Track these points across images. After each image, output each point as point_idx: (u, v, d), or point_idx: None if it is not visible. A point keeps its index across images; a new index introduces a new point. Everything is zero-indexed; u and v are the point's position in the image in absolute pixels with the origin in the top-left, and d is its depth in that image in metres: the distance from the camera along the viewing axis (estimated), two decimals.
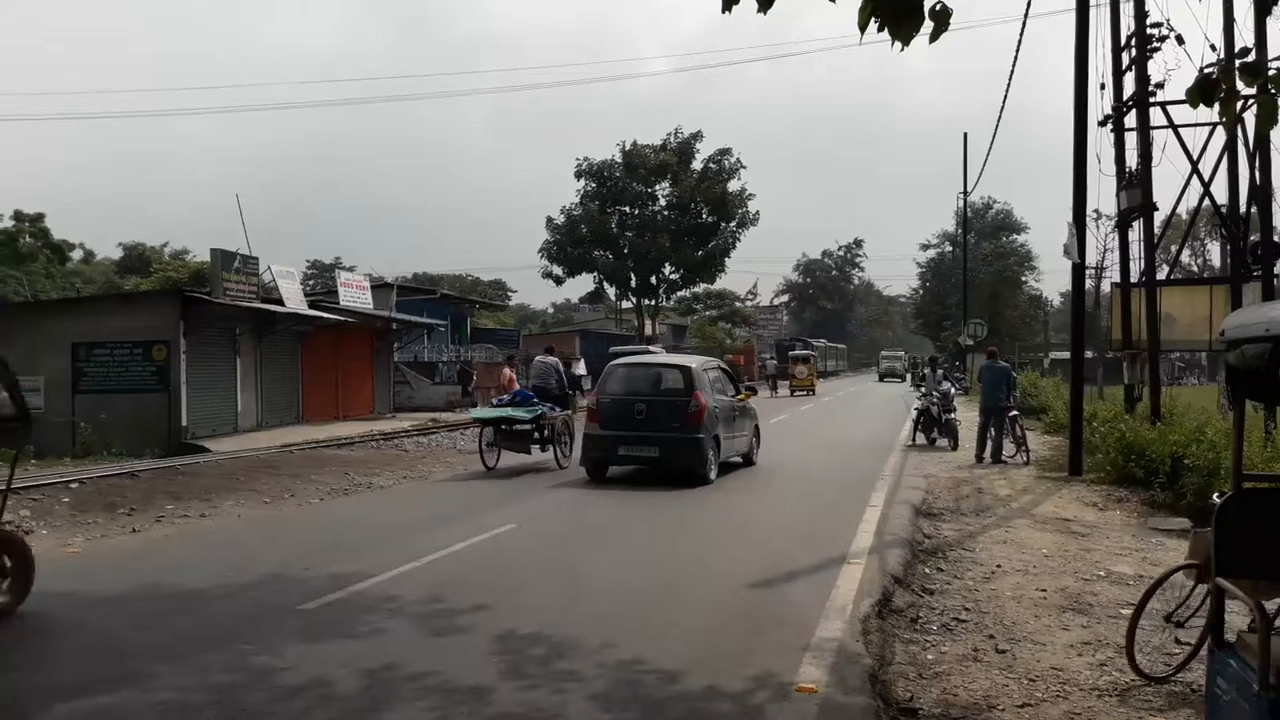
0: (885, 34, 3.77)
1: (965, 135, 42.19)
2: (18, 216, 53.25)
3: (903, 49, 3.81)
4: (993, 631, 6.82)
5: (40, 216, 53.26)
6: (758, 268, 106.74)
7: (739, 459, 16.25)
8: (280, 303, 25.98)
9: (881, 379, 69.74)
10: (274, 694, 5.43)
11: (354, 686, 5.56)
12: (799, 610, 7.17)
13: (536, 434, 16.78)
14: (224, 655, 6.15)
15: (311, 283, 49.61)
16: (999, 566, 8.88)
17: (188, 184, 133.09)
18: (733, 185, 51.80)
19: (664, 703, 5.31)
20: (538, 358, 19.58)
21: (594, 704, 5.25)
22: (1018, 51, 13.21)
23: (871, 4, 3.79)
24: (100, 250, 68.18)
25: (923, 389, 21.21)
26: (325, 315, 27.66)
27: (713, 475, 14.37)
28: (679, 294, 59.23)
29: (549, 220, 52.20)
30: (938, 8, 3.80)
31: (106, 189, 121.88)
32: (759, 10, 3.95)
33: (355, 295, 31.01)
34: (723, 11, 4.00)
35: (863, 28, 3.85)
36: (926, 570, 8.84)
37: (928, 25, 3.81)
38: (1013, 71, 14.77)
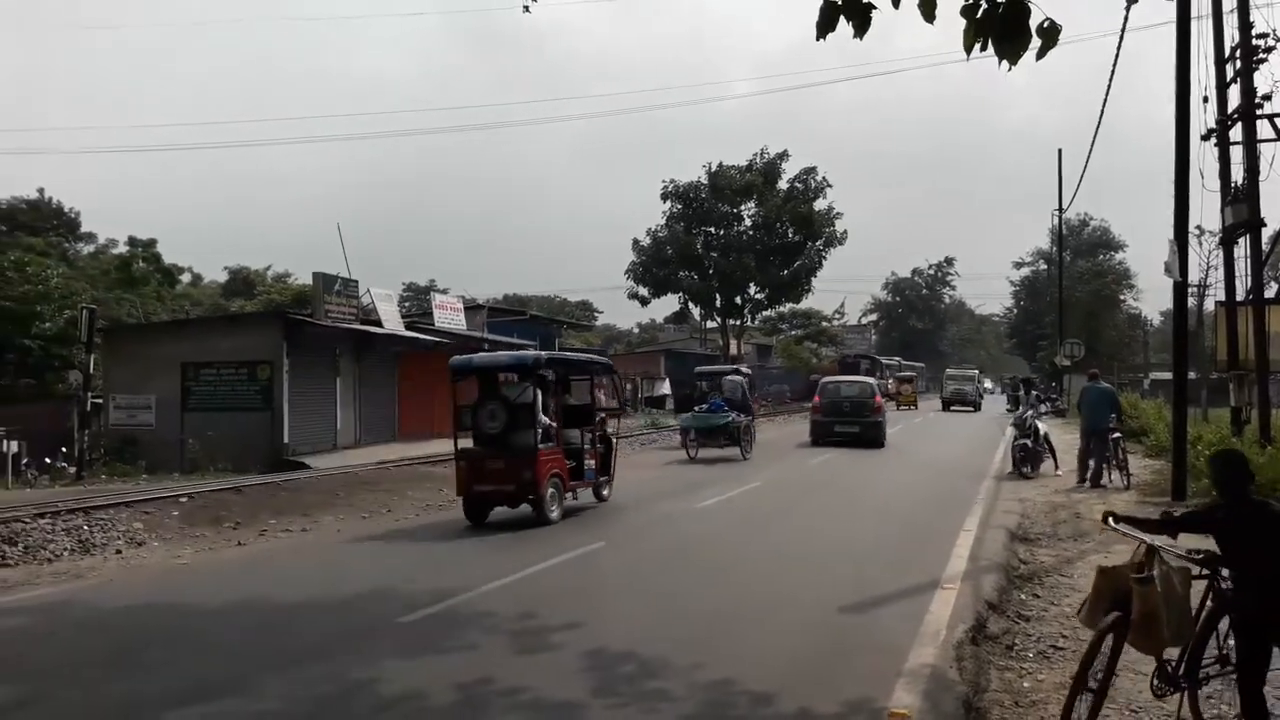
0: (990, 52, 3.77)
1: (1060, 151, 41.41)
2: (131, 242, 55.84)
3: (1010, 68, 3.81)
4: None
5: (152, 242, 55.72)
6: (845, 286, 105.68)
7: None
8: (378, 324, 26.73)
9: (947, 406, 50.16)
10: (373, 705, 5.60)
11: (449, 700, 5.70)
12: (891, 635, 7.08)
13: (727, 434, 22.81)
14: (326, 666, 6.36)
15: (407, 305, 50.82)
16: None
17: (288, 210, 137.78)
18: (819, 204, 51.47)
19: None
20: (727, 377, 25.85)
21: None
22: (1115, 65, 12.96)
23: (977, 24, 3.79)
24: (207, 274, 70.97)
25: (1018, 413, 20.43)
26: (421, 336, 28.34)
27: (885, 443, 25.31)
28: (764, 313, 58.96)
29: (635, 242, 52.57)
30: (1045, 25, 3.79)
31: (213, 215, 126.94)
32: (855, 35, 3.99)
33: (449, 317, 31.71)
34: (818, 39, 4.05)
35: (968, 48, 3.85)
36: (1022, 596, 8.65)
37: (1035, 42, 3.79)
38: (1110, 85, 14.54)
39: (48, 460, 27.29)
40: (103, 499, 14.27)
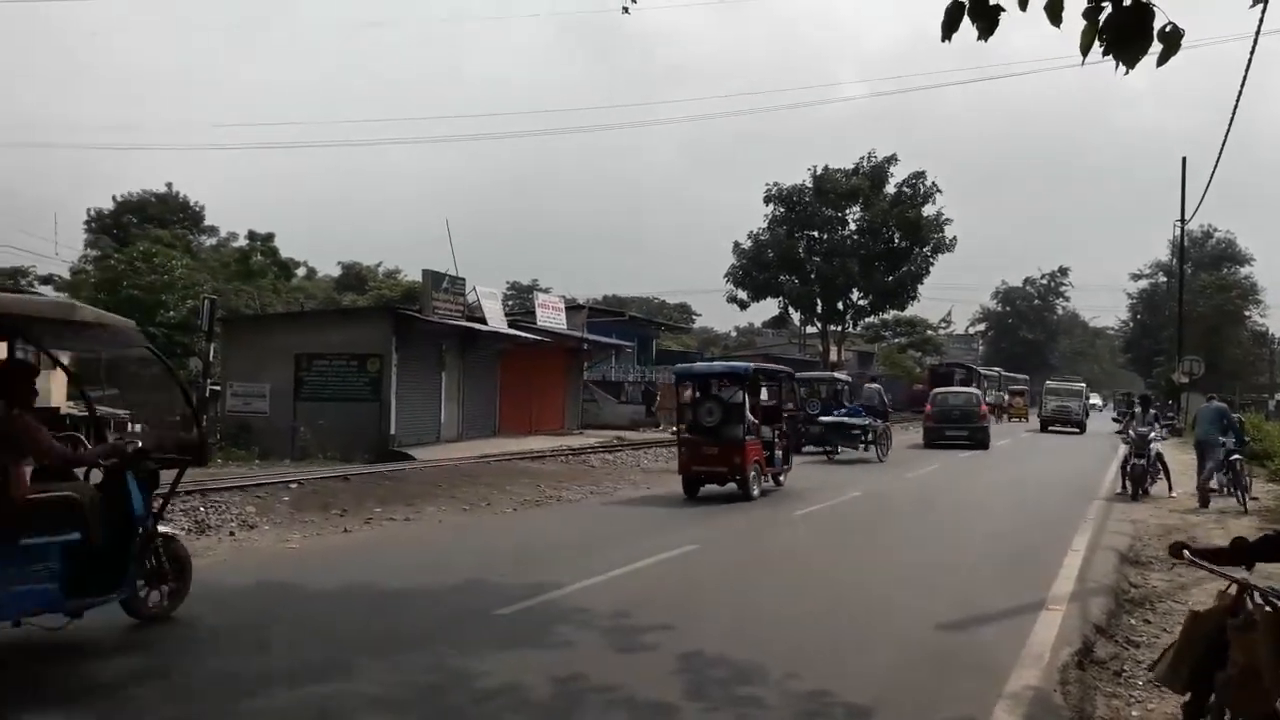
0: (1109, 57, 3.66)
1: (1184, 160, 39.46)
2: (250, 236, 58.16)
3: (1127, 72, 3.69)
4: None
5: (270, 236, 57.94)
6: (954, 294, 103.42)
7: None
8: (483, 321, 27.28)
9: (1045, 426, 43.44)
10: (472, 696, 5.72)
11: (545, 694, 5.78)
12: (992, 655, 6.90)
13: (864, 436, 24.65)
14: (426, 655, 6.51)
15: (510, 303, 51.71)
16: None
17: (399, 207, 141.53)
18: (928, 209, 50.52)
19: None
20: (866, 384, 30.35)
21: None
22: (1247, 71, 12.39)
23: (1096, 26, 3.68)
24: (321, 268, 73.34)
25: (1129, 431, 19.61)
26: (523, 335, 28.81)
27: (990, 446, 29.74)
28: (866, 320, 58.12)
29: (736, 245, 52.42)
30: (1168, 29, 3.65)
31: (328, 212, 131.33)
32: (979, 38, 3.91)
33: (551, 316, 32.15)
34: (943, 40, 3.98)
35: (1085, 50, 3.73)
36: (1132, 621, 8.33)
37: (1155, 47, 3.66)
38: (1240, 93, 13.82)
39: None
40: (218, 482, 14.88)
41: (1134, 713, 5.96)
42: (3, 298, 7.29)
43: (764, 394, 18.17)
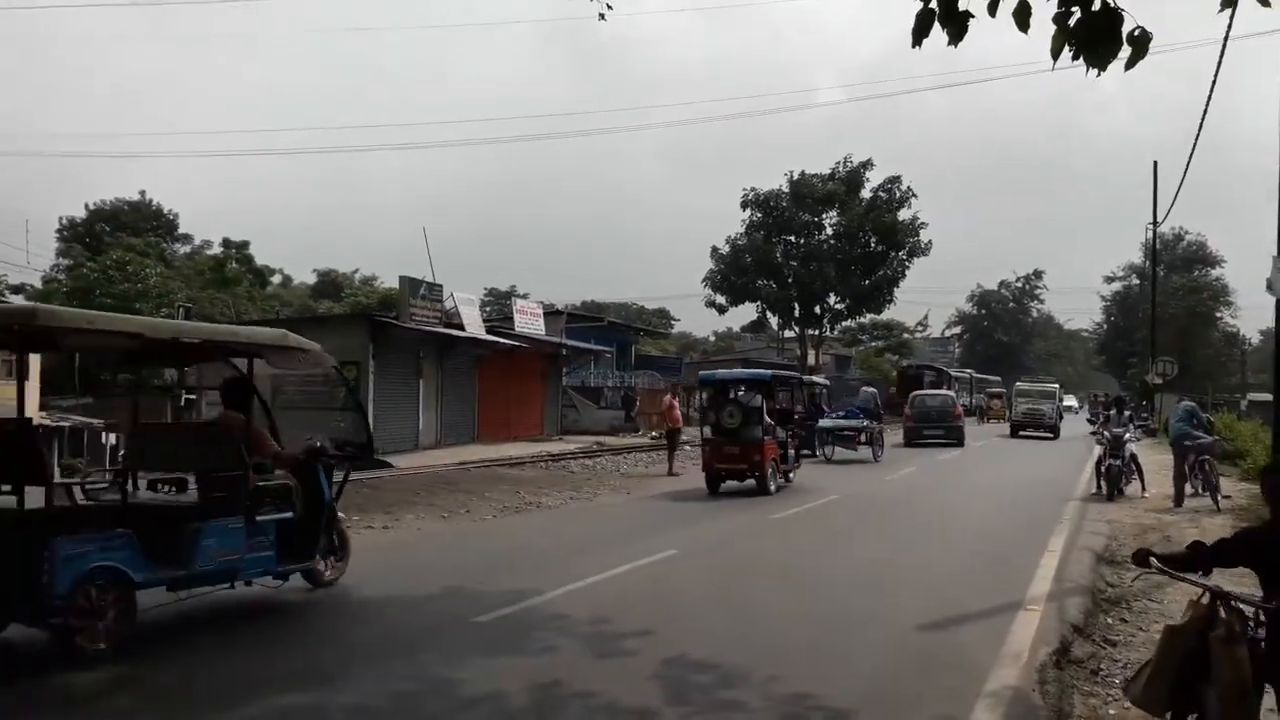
0: (1079, 61, 3.70)
1: (1155, 164, 39.92)
2: (225, 244, 57.79)
3: (1098, 75, 3.74)
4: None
5: (245, 244, 57.59)
6: (930, 298, 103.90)
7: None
8: (461, 328, 27.22)
9: (1016, 431, 39.58)
10: (453, 704, 5.70)
11: (525, 702, 5.76)
12: (971, 655, 6.95)
13: (860, 438, 25.81)
14: (406, 663, 6.49)
15: (488, 309, 51.62)
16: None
17: (375, 214, 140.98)
18: (903, 214, 50.88)
19: None
20: (862, 389, 32.51)
21: None
22: (1216, 75, 12.54)
23: (1066, 31, 3.73)
24: (297, 276, 72.99)
25: (1103, 433, 19.79)
26: (501, 340, 28.76)
27: (965, 443, 31.84)
28: (844, 324, 58.41)
29: (714, 250, 52.59)
30: (1136, 33, 3.70)
31: (303, 219, 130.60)
32: (950, 43, 3.95)
33: (529, 322, 32.10)
34: (914, 45, 4.02)
35: (1055, 54, 3.78)
36: (1109, 620, 8.40)
37: (1125, 50, 3.71)
38: (1210, 96, 13.98)
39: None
40: None
41: (1111, 711, 6.01)
42: (234, 329, 10.58)
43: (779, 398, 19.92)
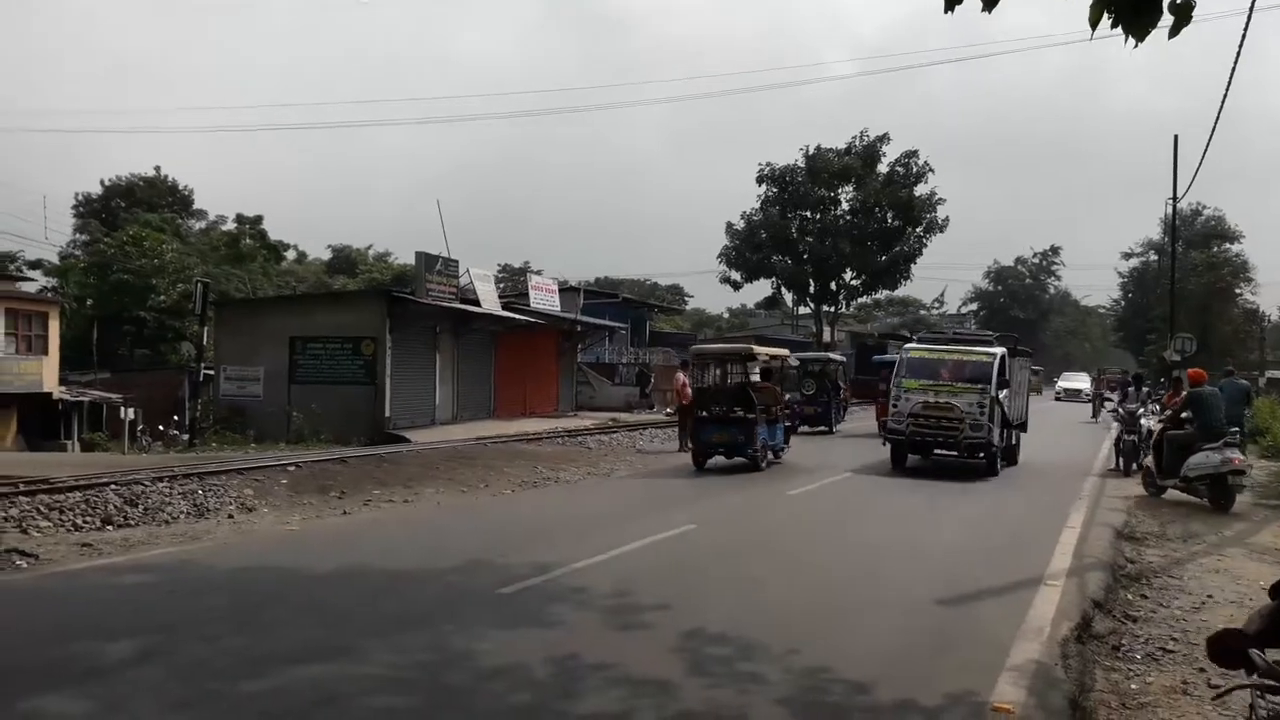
0: (1117, 30, 3.64)
1: (1175, 138, 39.11)
2: (239, 219, 57.93)
3: (1136, 45, 3.67)
4: (1204, 665, 6.40)
5: (259, 219, 57.73)
6: (946, 274, 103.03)
7: None
8: (476, 304, 27.23)
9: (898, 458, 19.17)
10: (474, 674, 5.74)
11: (546, 673, 5.80)
12: (992, 629, 6.95)
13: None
14: (428, 634, 6.53)
15: (502, 285, 51.75)
16: (1210, 597, 8.33)
17: (388, 189, 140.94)
18: (920, 189, 50.45)
19: (852, 713, 5.29)
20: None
21: (781, 709, 5.29)
22: (1240, 48, 12.27)
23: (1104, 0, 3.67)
24: (311, 251, 73.09)
25: (1119, 409, 19.71)
26: (517, 317, 28.77)
27: None
28: (860, 300, 58.14)
29: (729, 226, 52.33)
30: (1179, 1, 3.64)
31: (317, 194, 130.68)
32: (984, 9, 3.89)
33: (544, 298, 32.09)
34: (946, 11, 3.96)
35: (1094, 23, 3.72)
36: (1129, 596, 8.39)
37: (1166, 19, 3.65)
38: (1234, 70, 13.66)
39: (160, 428, 28.62)
40: (215, 466, 14.89)
41: (1133, 685, 6.02)
42: (720, 348, 21.83)
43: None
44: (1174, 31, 3.72)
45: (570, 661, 5.99)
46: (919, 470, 17.51)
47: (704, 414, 18.00)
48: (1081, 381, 54.48)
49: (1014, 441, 18.78)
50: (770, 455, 17.90)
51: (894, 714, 5.28)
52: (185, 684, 5.49)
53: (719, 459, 17.50)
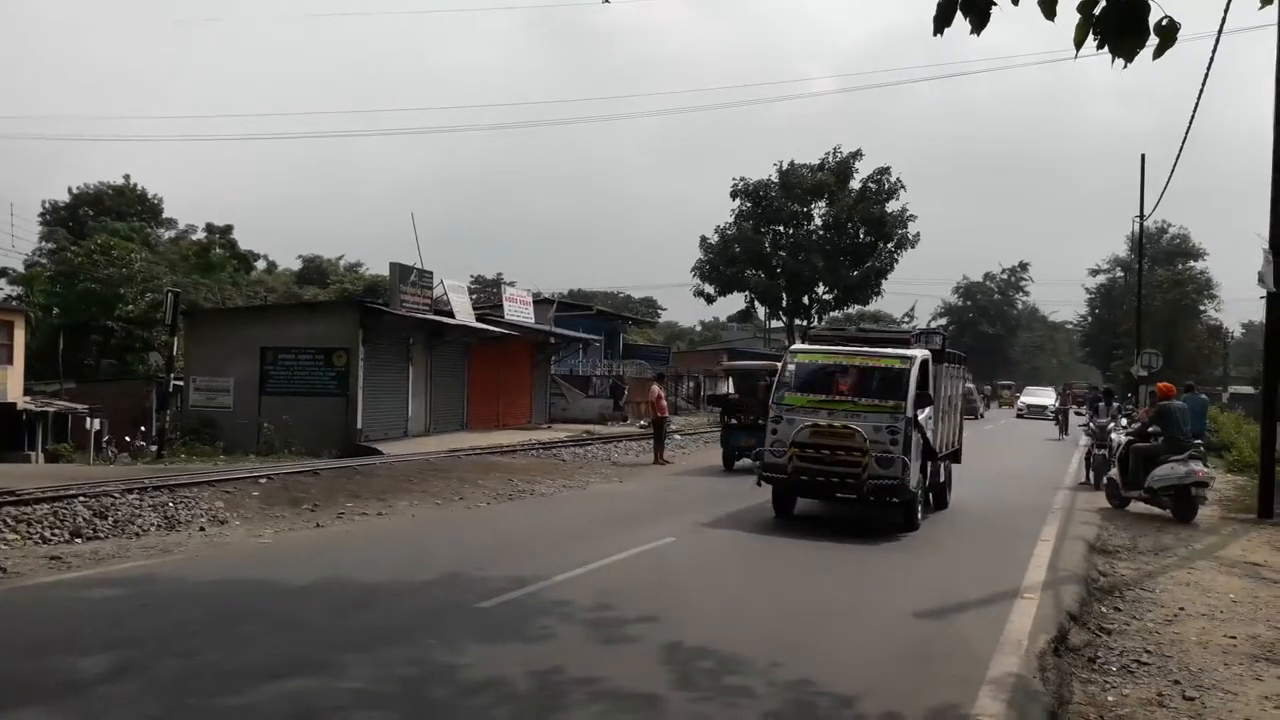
0: (1103, 50, 3.70)
1: (1143, 157, 39.89)
2: (209, 229, 57.43)
3: (1125, 66, 3.73)
4: (1178, 677, 6.48)
5: (229, 229, 57.28)
6: (917, 289, 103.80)
7: None
8: (450, 315, 27.10)
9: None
10: (456, 689, 5.69)
11: (530, 686, 5.76)
12: (971, 643, 7.00)
13: None
14: (408, 648, 6.47)
15: (475, 297, 51.61)
16: (1182, 609, 8.43)
17: (360, 200, 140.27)
18: (892, 205, 50.91)
19: None
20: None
21: None
22: (1209, 69, 12.51)
23: (1090, 20, 3.73)
24: (281, 261, 72.55)
25: (1090, 423, 20.00)
26: (492, 329, 28.67)
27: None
28: (831, 315, 58.50)
29: (702, 240, 52.52)
30: (1164, 23, 3.71)
31: (287, 204, 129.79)
32: (972, 32, 3.95)
33: (518, 310, 32.01)
34: (935, 34, 4.01)
35: (1079, 44, 3.78)
36: (1103, 609, 8.48)
37: (1152, 41, 3.72)
38: (1203, 89, 13.91)
39: (127, 438, 28.22)
40: (186, 477, 14.69)
41: (1109, 698, 6.07)
42: (749, 365, 21.70)
43: None
44: (1159, 52, 3.79)
45: (553, 676, 5.95)
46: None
47: (734, 421, 19.83)
48: (1046, 397, 51.59)
49: (943, 478, 14.18)
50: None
51: None
52: (161, 699, 5.40)
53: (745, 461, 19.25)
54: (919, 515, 12.32)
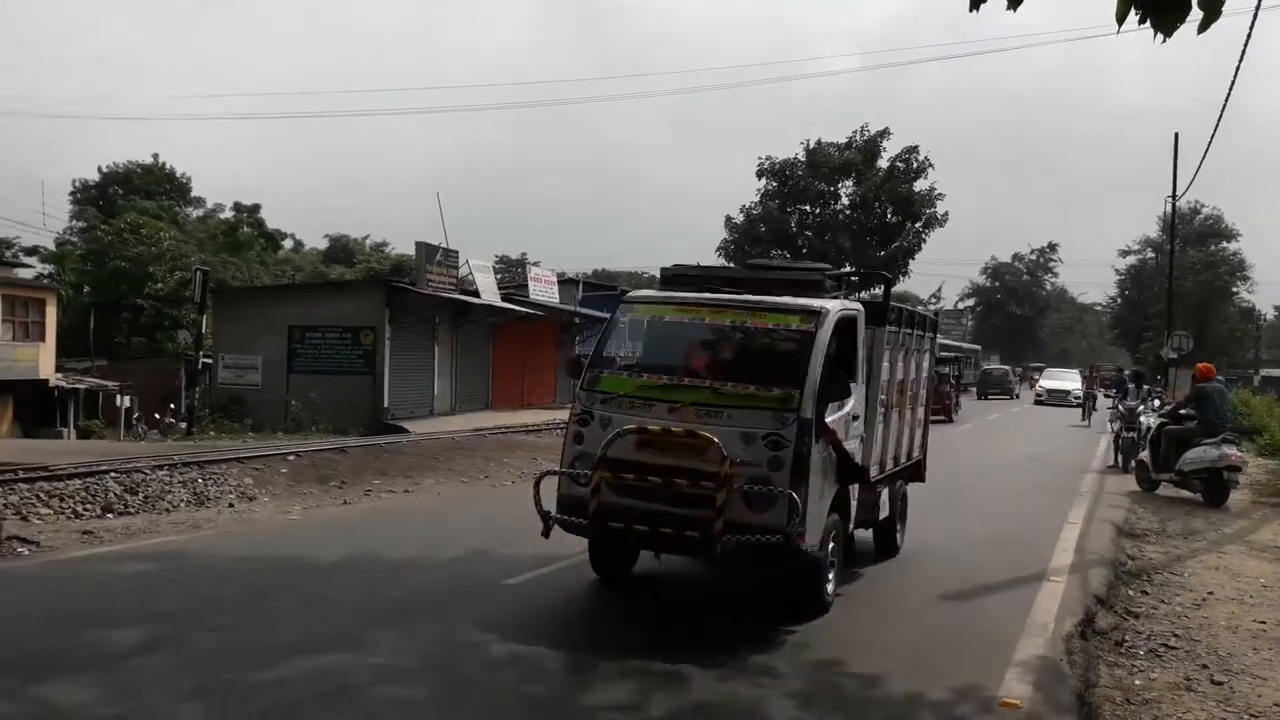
0: (1145, 25, 3.63)
1: (1176, 136, 39.14)
2: (237, 208, 57.82)
3: (1164, 40, 3.67)
4: (1206, 661, 6.43)
5: (256, 208, 57.64)
6: (944, 270, 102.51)
7: None
8: (476, 295, 27.20)
9: None
10: (485, 665, 5.75)
11: (558, 663, 5.82)
12: (998, 625, 6.98)
13: None
14: (436, 625, 6.54)
15: (500, 276, 51.69)
16: (1210, 594, 8.36)
17: (386, 181, 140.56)
18: (920, 184, 50.41)
19: (865, 705, 5.31)
20: None
21: (793, 701, 5.30)
22: (1246, 46, 12.25)
23: None
24: (308, 241, 72.89)
25: (1119, 406, 19.81)
26: (516, 308, 28.75)
27: None
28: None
29: (727, 219, 52.25)
30: None
31: (314, 183, 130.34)
32: (1009, 8, 3.89)
33: (543, 290, 32.06)
34: (971, 9, 3.95)
35: (1121, 19, 3.71)
36: (1130, 593, 8.41)
37: (1195, 15, 3.64)
38: (1239, 68, 13.61)
39: (157, 415, 28.56)
40: (215, 454, 14.86)
41: (1136, 681, 6.03)
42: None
43: None
44: (1203, 27, 3.71)
45: (581, 652, 6.00)
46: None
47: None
48: (1069, 380, 45.84)
49: (887, 511, 9.01)
50: None
51: (905, 707, 5.31)
52: (195, 673, 5.48)
53: None
54: (828, 588, 7.16)
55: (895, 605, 7.58)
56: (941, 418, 28.14)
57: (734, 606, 7.29)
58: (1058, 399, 42.24)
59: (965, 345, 64.23)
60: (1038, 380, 50.72)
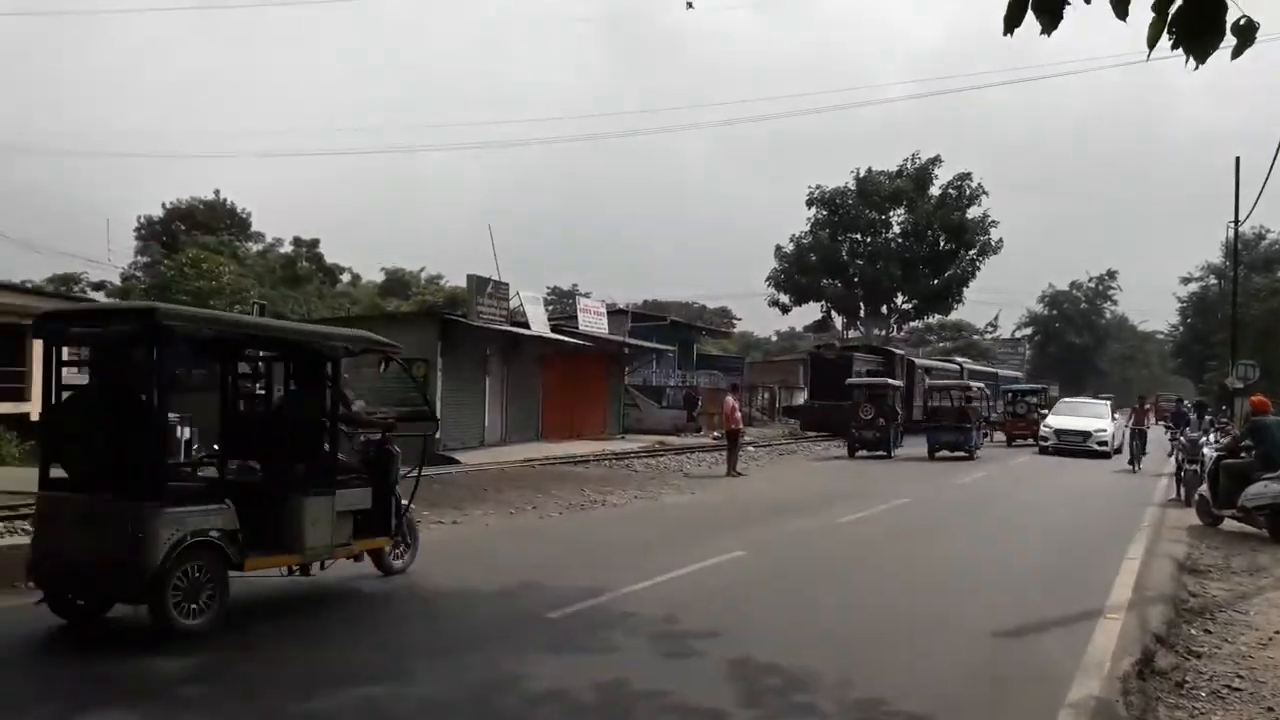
0: (1177, 50, 3.58)
1: (1237, 159, 38.43)
2: (296, 242, 59.03)
3: (1197, 67, 3.61)
4: (1272, 704, 6.18)
5: (315, 242, 58.79)
6: (999, 298, 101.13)
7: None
8: (526, 326, 27.37)
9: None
10: (525, 699, 5.72)
11: (595, 700, 5.76)
12: (1051, 664, 6.79)
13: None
14: (478, 657, 6.54)
15: (550, 308, 52.07)
16: (1278, 633, 8.06)
17: (440, 213, 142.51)
18: (973, 211, 50.02)
19: None
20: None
21: None
22: None
23: (1164, 19, 3.61)
24: (365, 274, 74.07)
25: (1180, 438, 19.25)
26: (566, 339, 28.88)
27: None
28: (911, 324, 57.67)
29: (778, 249, 52.29)
30: (1242, 22, 3.57)
31: (371, 217, 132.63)
32: (1043, 32, 3.84)
33: (592, 321, 32.19)
34: (1005, 33, 3.91)
35: (1152, 44, 3.66)
36: (1192, 631, 8.14)
37: (1228, 40, 3.59)
38: None
39: (215, 446, 29.07)
40: None
41: None
42: (945, 383, 30.50)
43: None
44: (1237, 52, 3.64)
45: (621, 688, 5.95)
46: (974, 499, 17.18)
47: (935, 424, 28.10)
48: (1093, 415, 31.47)
49: None
50: (976, 451, 27.63)
51: None
52: (232, 704, 5.54)
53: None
54: None
55: (945, 640, 7.41)
56: (1029, 441, 32.10)
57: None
58: (1072, 443, 29.08)
59: (1039, 384, 56.53)
60: (1045, 416, 33.24)
